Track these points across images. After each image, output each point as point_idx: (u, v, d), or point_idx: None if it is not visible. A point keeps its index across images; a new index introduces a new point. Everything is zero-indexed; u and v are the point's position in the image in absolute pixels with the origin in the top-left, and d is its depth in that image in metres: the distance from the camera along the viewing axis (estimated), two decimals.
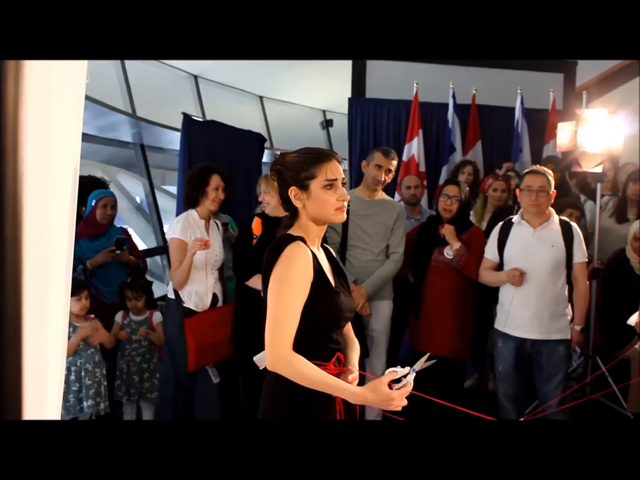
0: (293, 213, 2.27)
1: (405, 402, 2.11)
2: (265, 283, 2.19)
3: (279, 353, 2.09)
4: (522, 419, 2.53)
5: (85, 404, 3.89)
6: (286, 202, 2.26)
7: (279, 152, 2.28)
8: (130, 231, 5.13)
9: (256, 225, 3.99)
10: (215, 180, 4.00)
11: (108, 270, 4.54)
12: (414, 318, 4.50)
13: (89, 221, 4.53)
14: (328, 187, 2.19)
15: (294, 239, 2.17)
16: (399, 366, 2.16)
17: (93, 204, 4.54)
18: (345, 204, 2.23)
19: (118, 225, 4.85)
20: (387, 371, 2.13)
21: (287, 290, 2.11)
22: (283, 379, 2.12)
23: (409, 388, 2.12)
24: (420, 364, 2.16)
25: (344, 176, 2.26)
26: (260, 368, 2.34)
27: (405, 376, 2.12)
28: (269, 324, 2.12)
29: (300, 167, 2.20)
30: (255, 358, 2.40)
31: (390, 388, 2.12)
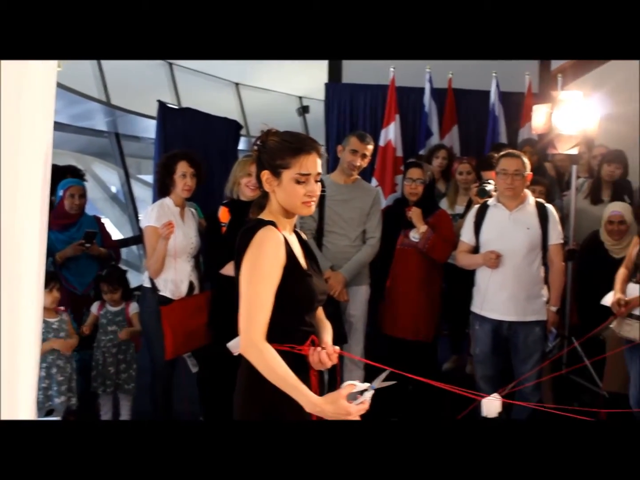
0: (265, 193, 2.26)
1: (358, 418, 2.08)
2: (238, 268, 2.18)
3: (251, 338, 2.08)
4: (497, 393, 2.53)
5: (57, 400, 3.86)
6: (259, 182, 2.26)
7: (265, 128, 2.25)
8: (105, 220, 5.09)
9: (223, 214, 3.98)
10: (182, 167, 3.96)
11: (78, 262, 4.51)
12: (381, 301, 4.50)
13: (58, 212, 4.48)
14: (299, 180, 2.17)
15: (265, 223, 2.17)
16: (358, 380, 2.13)
17: (61, 193, 4.49)
18: (314, 199, 2.21)
19: (91, 214, 4.80)
20: (345, 384, 2.10)
21: (260, 275, 2.11)
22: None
23: (366, 405, 2.09)
24: (378, 382, 2.12)
25: (319, 171, 2.23)
26: (235, 354, 2.33)
27: (361, 393, 2.08)
28: (242, 308, 2.11)
29: (277, 153, 2.18)
30: (229, 344, 2.38)
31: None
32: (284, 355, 2.13)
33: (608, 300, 3.84)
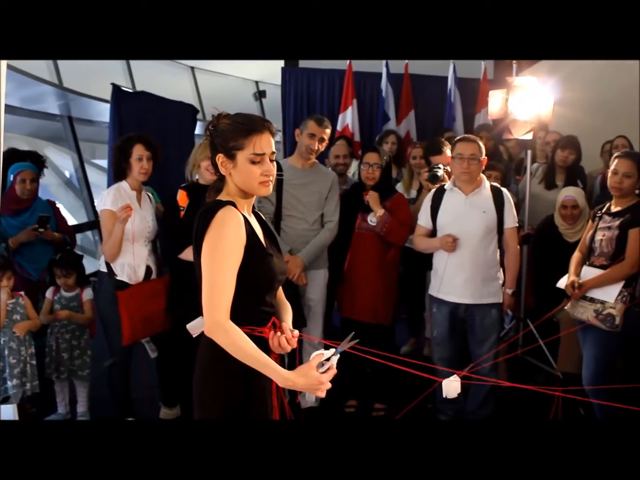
0: (222, 176, 2.26)
1: (330, 385, 2.10)
2: (198, 250, 2.17)
3: (216, 319, 2.07)
4: (455, 375, 2.57)
5: (9, 383, 3.79)
6: (215, 165, 2.24)
7: (216, 112, 2.24)
8: (59, 206, 4.99)
9: (181, 197, 3.95)
10: (137, 151, 3.91)
11: (33, 248, 4.43)
12: (340, 284, 4.52)
13: (9, 197, 4.39)
14: (254, 161, 2.16)
15: (224, 204, 2.15)
16: (323, 348, 2.15)
17: (12, 178, 4.40)
18: (272, 178, 2.21)
19: (45, 198, 4.71)
20: (314, 354, 2.11)
21: (221, 255, 2.09)
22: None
23: (334, 370, 2.11)
24: (344, 345, 2.15)
25: (274, 150, 2.22)
26: (194, 336, 2.31)
27: (328, 359, 2.11)
28: (205, 290, 2.10)
29: (230, 135, 2.17)
30: (188, 326, 2.37)
31: None
32: None
33: (563, 283, 3.91)
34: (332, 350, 2.12)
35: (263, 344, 2.19)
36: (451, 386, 2.54)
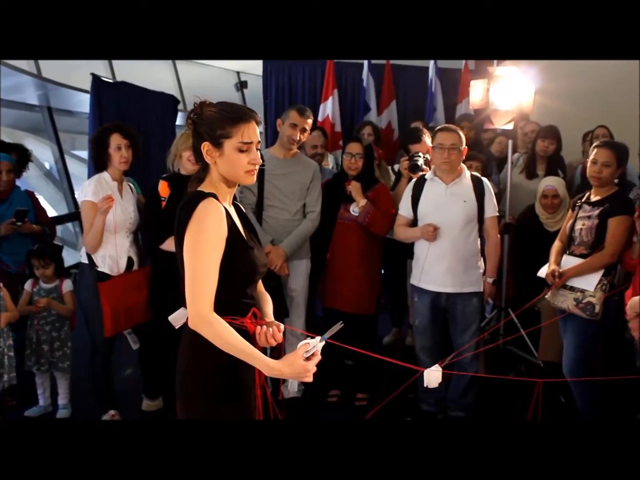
0: (204, 166, 2.24)
1: (315, 369, 2.11)
2: (179, 241, 2.16)
3: (199, 312, 2.07)
4: (437, 365, 2.59)
5: None
6: (198, 154, 2.22)
7: (198, 99, 2.22)
8: (39, 197, 4.96)
9: (162, 188, 3.93)
10: (115, 140, 3.89)
11: (11, 240, 4.40)
12: (322, 274, 4.52)
13: None
14: (242, 149, 2.16)
15: (205, 195, 2.14)
16: (309, 337, 2.15)
17: None
18: (257, 167, 2.21)
19: (24, 189, 4.67)
20: (300, 344, 2.12)
21: (203, 248, 2.09)
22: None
23: (319, 356, 2.13)
24: (330, 332, 2.15)
25: (259, 139, 2.23)
26: (176, 327, 2.31)
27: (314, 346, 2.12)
28: (188, 282, 2.09)
29: (217, 123, 2.16)
30: (170, 317, 2.36)
31: None
32: None
33: (543, 272, 3.94)
34: (318, 339, 2.13)
35: (244, 335, 2.19)
36: (432, 376, 2.57)
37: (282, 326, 2.30)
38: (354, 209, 4.34)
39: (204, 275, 2.08)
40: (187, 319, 2.18)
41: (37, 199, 4.76)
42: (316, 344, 2.11)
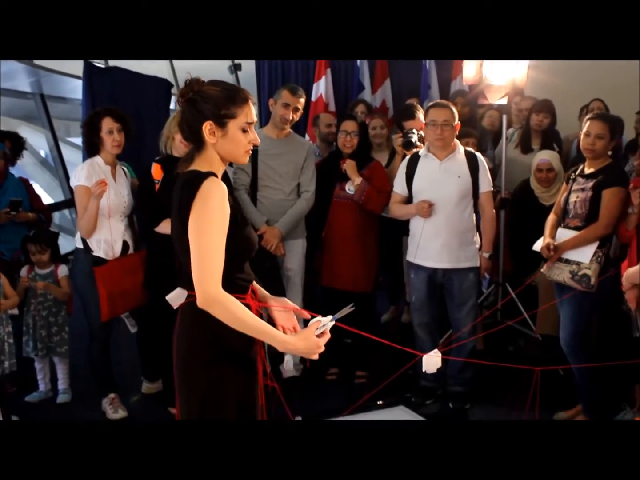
0: (198, 146, 2.21)
1: (324, 349, 2.15)
2: (181, 222, 2.13)
3: (210, 291, 2.05)
4: (436, 350, 2.61)
5: None
6: (194, 133, 2.19)
7: (189, 76, 2.21)
8: (35, 186, 4.95)
9: (156, 170, 3.92)
10: (107, 124, 3.87)
11: (5, 228, 4.40)
12: (318, 253, 4.53)
13: None
14: (245, 129, 2.17)
15: (206, 175, 2.12)
16: (320, 315, 2.18)
17: None
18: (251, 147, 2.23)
19: (18, 176, 4.67)
20: (313, 321, 2.15)
21: (210, 227, 2.07)
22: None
23: (328, 335, 2.16)
24: (341, 314, 2.19)
25: (256, 119, 2.24)
26: (175, 307, 2.30)
27: (324, 325, 2.16)
28: (195, 263, 2.07)
29: (222, 103, 2.14)
30: (168, 297, 2.33)
31: None
32: None
33: (538, 245, 3.93)
34: (329, 317, 2.16)
35: None
36: (431, 361, 2.58)
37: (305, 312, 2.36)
38: (350, 187, 4.34)
39: (212, 254, 2.07)
40: (188, 298, 2.19)
41: (31, 186, 4.76)
42: (327, 322, 2.15)
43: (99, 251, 3.90)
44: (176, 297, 2.30)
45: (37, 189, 4.98)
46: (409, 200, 4.12)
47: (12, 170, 4.65)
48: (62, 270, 4.30)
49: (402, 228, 4.40)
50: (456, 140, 4.05)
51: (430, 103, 4.19)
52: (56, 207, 7.68)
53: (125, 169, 4.16)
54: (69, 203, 7.95)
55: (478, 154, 4.09)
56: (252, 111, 2.19)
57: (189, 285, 2.14)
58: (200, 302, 2.08)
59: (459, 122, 4.00)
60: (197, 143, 2.22)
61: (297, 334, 2.16)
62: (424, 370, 2.61)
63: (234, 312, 2.06)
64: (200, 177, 2.11)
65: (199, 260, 2.07)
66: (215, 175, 2.15)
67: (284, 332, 2.27)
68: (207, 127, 2.15)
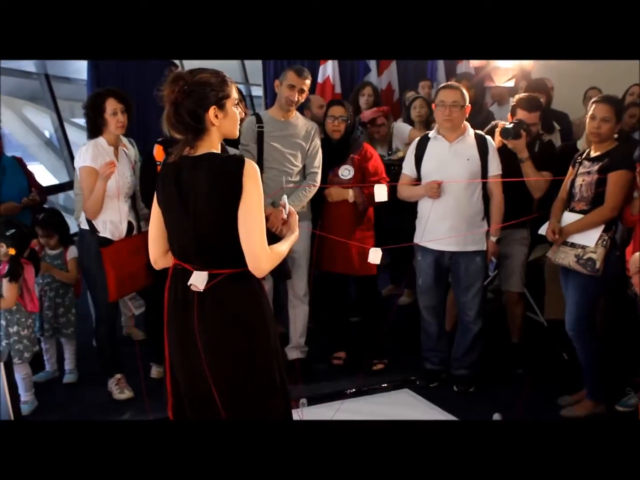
0: (198, 132, 2.30)
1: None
2: (220, 200, 2.25)
3: (266, 254, 2.27)
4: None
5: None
6: (197, 121, 2.28)
7: (175, 69, 2.25)
8: (40, 167, 4.96)
9: (158, 152, 3.94)
10: (111, 105, 3.85)
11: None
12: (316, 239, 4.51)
13: None
14: (236, 105, 2.35)
15: (241, 156, 2.30)
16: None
17: None
18: None
19: (10, 155, 4.70)
20: (283, 209, 2.55)
21: (261, 202, 2.28)
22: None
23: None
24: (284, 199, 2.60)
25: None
26: (201, 289, 2.30)
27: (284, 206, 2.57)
28: (256, 232, 2.25)
29: (220, 87, 2.29)
30: (192, 281, 2.32)
31: None
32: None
33: (544, 229, 3.91)
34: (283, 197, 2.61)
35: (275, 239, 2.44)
36: (376, 254, 3.04)
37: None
38: (343, 173, 4.33)
39: (264, 225, 2.28)
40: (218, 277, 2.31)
41: (25, 164, 4.78)
42: (285, 200, 2.57)
43: (105, 232, 3.90)
44: (201, 279, 2.30)
45: (42, 170, 4.98)
46: (417, 182, 4.10)
47: (18, 152, 4.66)
48: (71, 252, 4.31)
49: (409, 211, 4.38)
50: (466, 123, 4.03)
51: (441, 85, 4.17)
52: (61, 188, 7.67)
53: (126, 150, 4.10)
54: (73, 185, 7.95)
55: (488, 137, 4.05)
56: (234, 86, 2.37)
57: (218, 262, 2.31)
58: (263, 265, 2.29)
59: (469, 105, 3.98)
60: (196, 130, 2.31)
61: (287, 226, 2.54)
62: (369, 260, 3.00)
63: (281, 254, 2.37)
64: (240, 160, 2.27)
65: (259, 230, 2.25)
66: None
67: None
68: (212, 112, 2.28)
